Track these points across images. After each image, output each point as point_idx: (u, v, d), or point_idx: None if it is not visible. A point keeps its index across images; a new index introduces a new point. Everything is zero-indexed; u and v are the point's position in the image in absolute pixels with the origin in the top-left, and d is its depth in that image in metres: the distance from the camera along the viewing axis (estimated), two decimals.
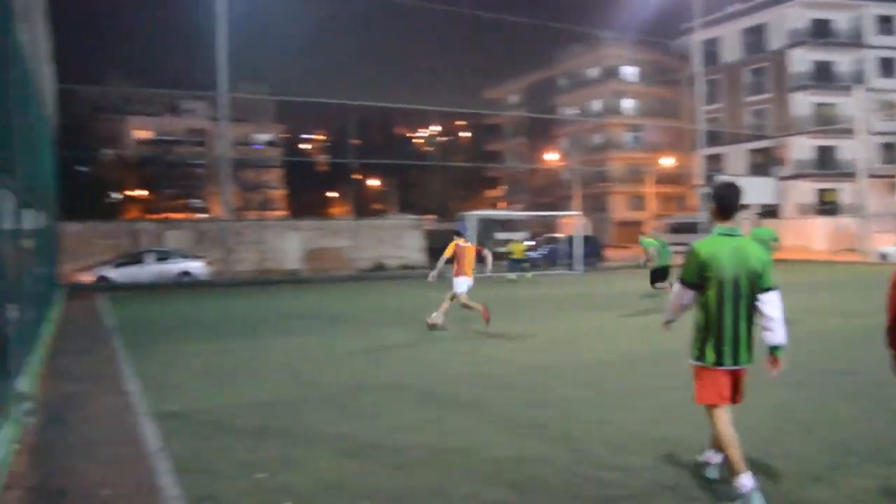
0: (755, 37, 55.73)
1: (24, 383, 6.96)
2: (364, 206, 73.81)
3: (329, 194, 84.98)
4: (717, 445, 4.62)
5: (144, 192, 56.89)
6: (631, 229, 60.89)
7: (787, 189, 49.68)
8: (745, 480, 4.19)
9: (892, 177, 45.17)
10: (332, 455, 5.44)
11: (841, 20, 52.77)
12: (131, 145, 61.89)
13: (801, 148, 51.65)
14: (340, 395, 7.53)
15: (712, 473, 4.72)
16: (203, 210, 66.36)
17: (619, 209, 64.03)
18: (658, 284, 16.06)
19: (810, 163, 51.87)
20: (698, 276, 4.40)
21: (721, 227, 4.47)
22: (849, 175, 44.33)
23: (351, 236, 28.57)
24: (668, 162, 60.02)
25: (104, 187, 50.49)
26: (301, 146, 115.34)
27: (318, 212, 73.41)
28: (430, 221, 32.48)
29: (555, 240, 33.72)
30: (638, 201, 63.30)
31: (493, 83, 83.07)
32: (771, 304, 4.38)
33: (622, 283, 22.71)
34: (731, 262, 4.33)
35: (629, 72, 67.68)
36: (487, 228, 38.87)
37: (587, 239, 31.19)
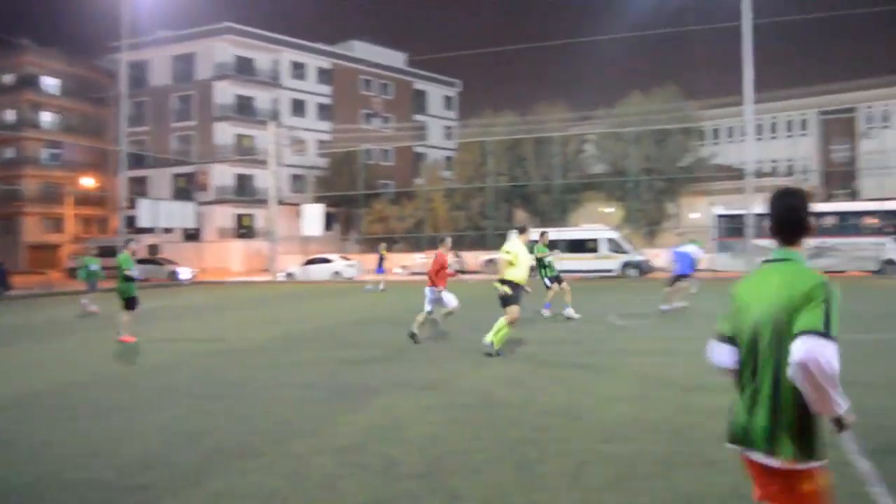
0: (184, 65, 57.11)
1: None
2: None
3: None
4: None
5: None
6: (46, 253, 55.82)
7: (209, 213, 52.03)
8: None
9: (298, 204, 51.01)
10: None
11: (262, 60, 57.85)
12: None
13: (223, 175, 54.71)
14: None
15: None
16: None
17: (33, 231, 57.93)
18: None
19: (230, 189, 55.27)
20: None
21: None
22: (263, 202, 48.56)
23: None
24: (89, 182, 56.91)
25: None
26: None
27: None
28: None
29: None
30: (56, 223, 58.51)
31: None
32: None
33: (30, 314, 20.33)
34: None
35: (50, 83, 61.99)
36: None
37: None
